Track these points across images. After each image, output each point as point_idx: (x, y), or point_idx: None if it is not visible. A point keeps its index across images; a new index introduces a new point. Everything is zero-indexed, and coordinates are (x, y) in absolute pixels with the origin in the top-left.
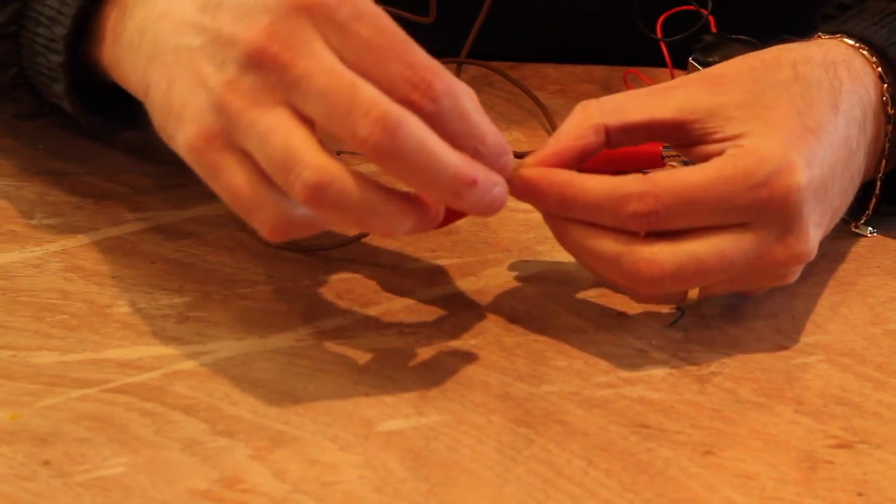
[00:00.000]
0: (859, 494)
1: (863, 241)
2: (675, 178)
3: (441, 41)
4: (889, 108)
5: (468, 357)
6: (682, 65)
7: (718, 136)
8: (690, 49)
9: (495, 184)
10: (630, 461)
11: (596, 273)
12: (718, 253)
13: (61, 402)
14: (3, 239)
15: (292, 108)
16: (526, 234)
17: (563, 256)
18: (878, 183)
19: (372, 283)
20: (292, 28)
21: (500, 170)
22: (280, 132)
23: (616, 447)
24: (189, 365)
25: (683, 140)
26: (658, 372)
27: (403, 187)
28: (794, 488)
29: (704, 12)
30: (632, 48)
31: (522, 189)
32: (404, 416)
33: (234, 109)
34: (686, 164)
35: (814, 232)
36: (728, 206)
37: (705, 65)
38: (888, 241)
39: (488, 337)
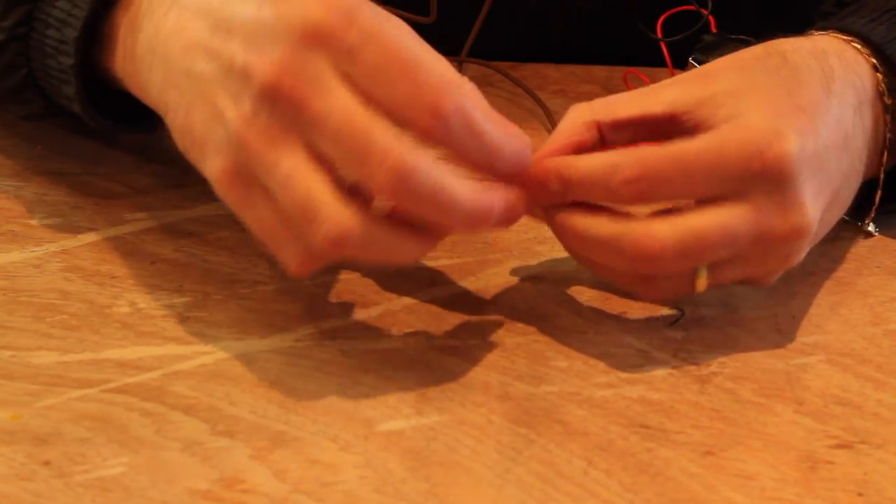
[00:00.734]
0: (859, 494)
1: (863, 241)
2: (665, 147)
3: (441, 41)
4: (886, 98)
5: (468, 357)
6: (682, 65)
7: (710, 123)
8: (690, 49)
9: (512, 202)
10: (630, 461)
11: (598, 269)
12: (718, 226)
13: (61, 402)
14: (3, 239)
15: (310, 148)
16: (526, 234)
17: (564, 256)
18: (882, 177)
19: (372, 283)
20: (304, 61)
21: (519, 167)
22: (299, 180)
23: (616, 447)
24: (189, 365)
25: (677, 135)
26: (658, 372)
27: None
28: (794, 488)
29: (704, 12)
30: (632, 48)
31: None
32: (404, 416)
33: (253, 148)
34: None
35: (811, 204)
36: (721, 176)
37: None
38: (888, 241)
39: (488, 337)
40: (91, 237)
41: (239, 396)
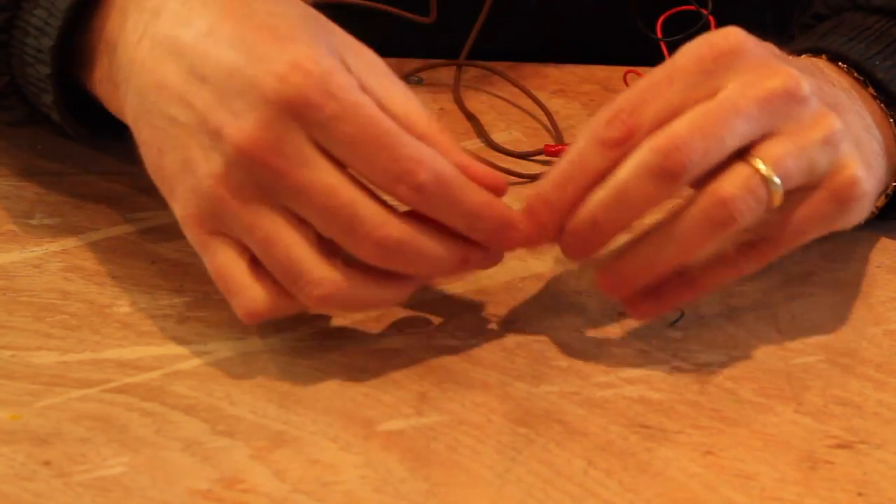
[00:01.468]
0: (859, 494)
1: (863, 241)
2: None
3: (441, 41)
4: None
5: (468, 357)
6: None
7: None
8: None
9: (489, 253)
10: (630, 461)
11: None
12: (726, 98)
13: (61, 402)
14: (3, 239)
15: (286, 209)
16: None
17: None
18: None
19: None
20: (280, 133)
21: (501, 241)
22: (281, 242)
23: (616, 447)
24: (189, 365)
25: None
26: (658, 372)
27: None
28: (794, 488)
29: (704, 12)
30: (632, 48)
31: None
32: (404, 416)
33: (227, 206)
34: None
35: (794, 73)
36: (695, 70)
37: None
38: (888, 241)
39: (488, 337)
40: (91, 237)
41: (239, 396)
